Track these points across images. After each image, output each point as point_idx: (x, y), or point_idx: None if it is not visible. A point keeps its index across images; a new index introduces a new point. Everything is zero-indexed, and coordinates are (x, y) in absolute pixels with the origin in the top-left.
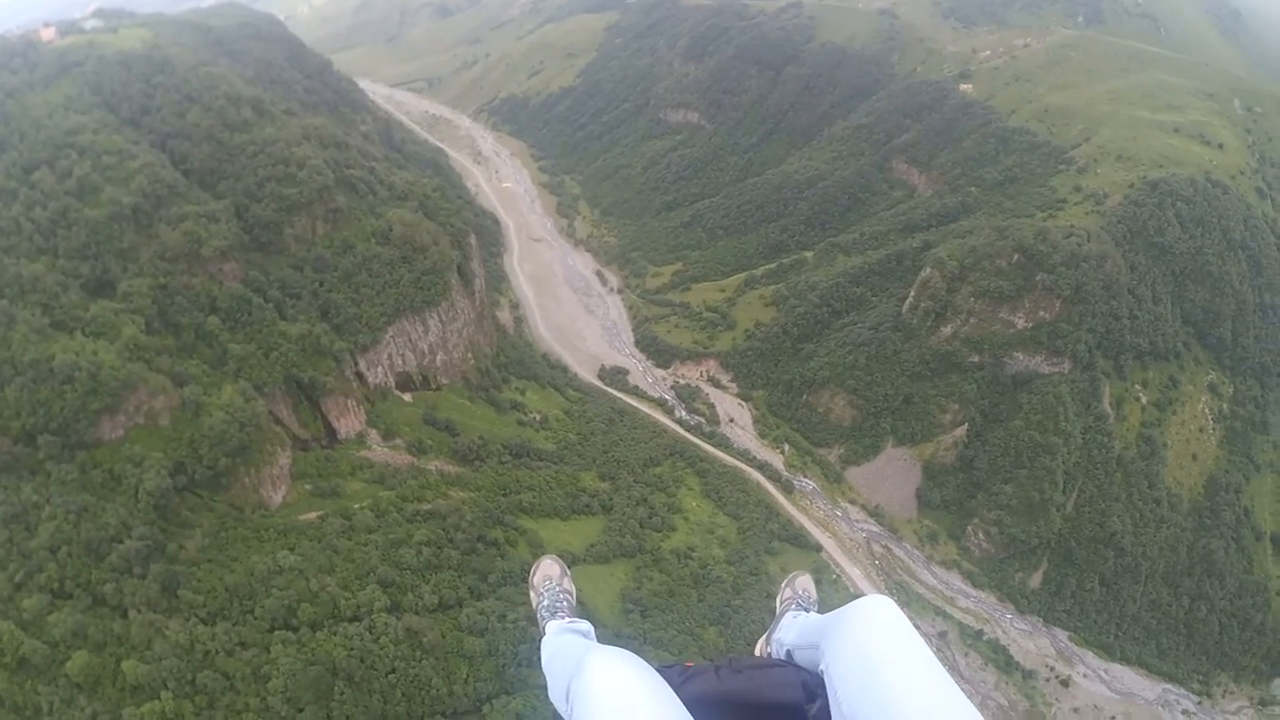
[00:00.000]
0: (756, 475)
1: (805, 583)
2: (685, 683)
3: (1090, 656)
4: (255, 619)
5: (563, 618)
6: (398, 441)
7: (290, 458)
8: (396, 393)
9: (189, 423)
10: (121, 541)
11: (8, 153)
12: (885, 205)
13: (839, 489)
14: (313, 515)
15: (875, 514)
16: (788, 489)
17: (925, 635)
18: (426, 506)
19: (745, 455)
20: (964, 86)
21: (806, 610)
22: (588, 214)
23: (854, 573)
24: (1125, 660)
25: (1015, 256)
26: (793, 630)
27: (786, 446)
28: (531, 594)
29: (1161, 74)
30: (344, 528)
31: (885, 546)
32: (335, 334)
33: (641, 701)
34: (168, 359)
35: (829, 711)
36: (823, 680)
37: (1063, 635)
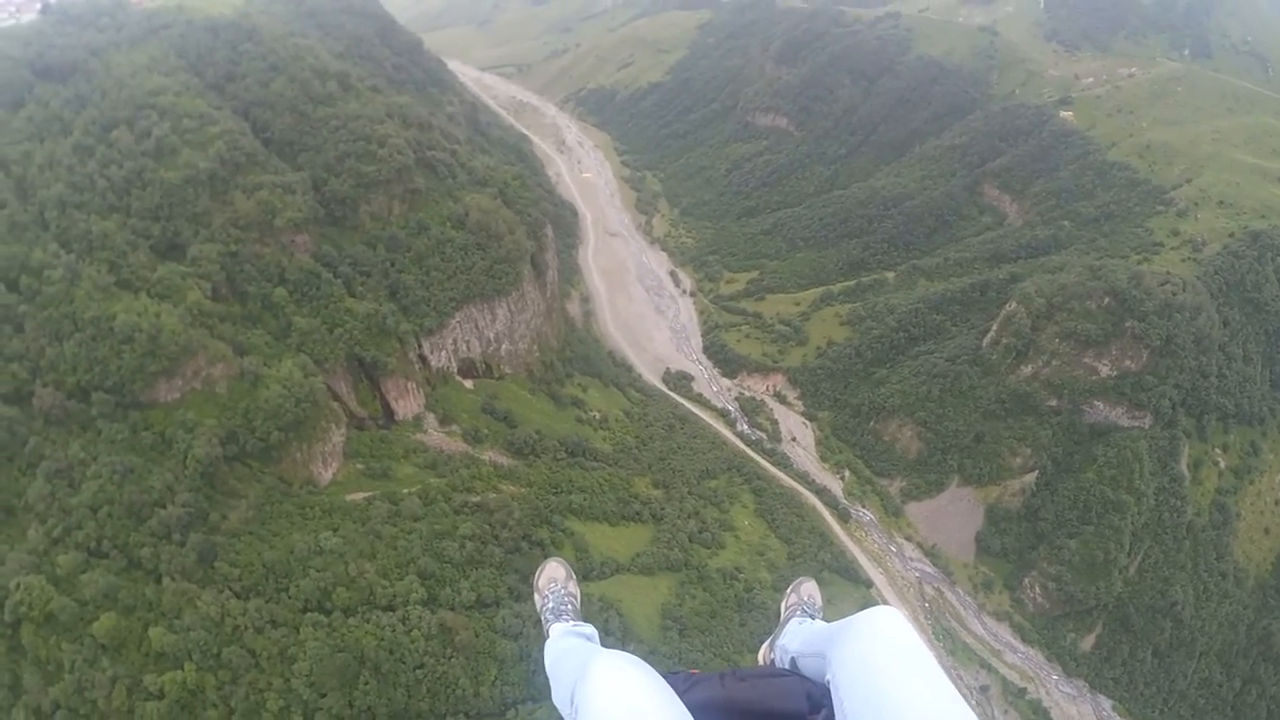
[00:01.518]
0: (813, 499)
1: (811, 589)
2: (689, 689)
3: None
4: (289, 598)
5: (567, 621)
6: (454, 428)
7: (345, 435)
8: (458, 378)
9: (245, 393)
10: (164, 506)
11: (88, 109)
12: (973, 231)
13: (896, 523)
14: (360, 496)
15: (931, 554)
16: (844, 517)
17: (967, 688)
18: (475, 498)
19: (804, 478)
20: (1064, 113)
21: (812, 617)
22: (666, 212)
23: (902, 613)
24: None
25: (1106, 300)
26: (798, 637)
27: (847, 473)
28: (536, 597)
29: (1269, 118)
30: (390, 513)
31: (938, 589)
32: (402, 315)
33: (646, 707)
34: (231, 326)
35: None
36: (827, 690)
37: (1106, 703)
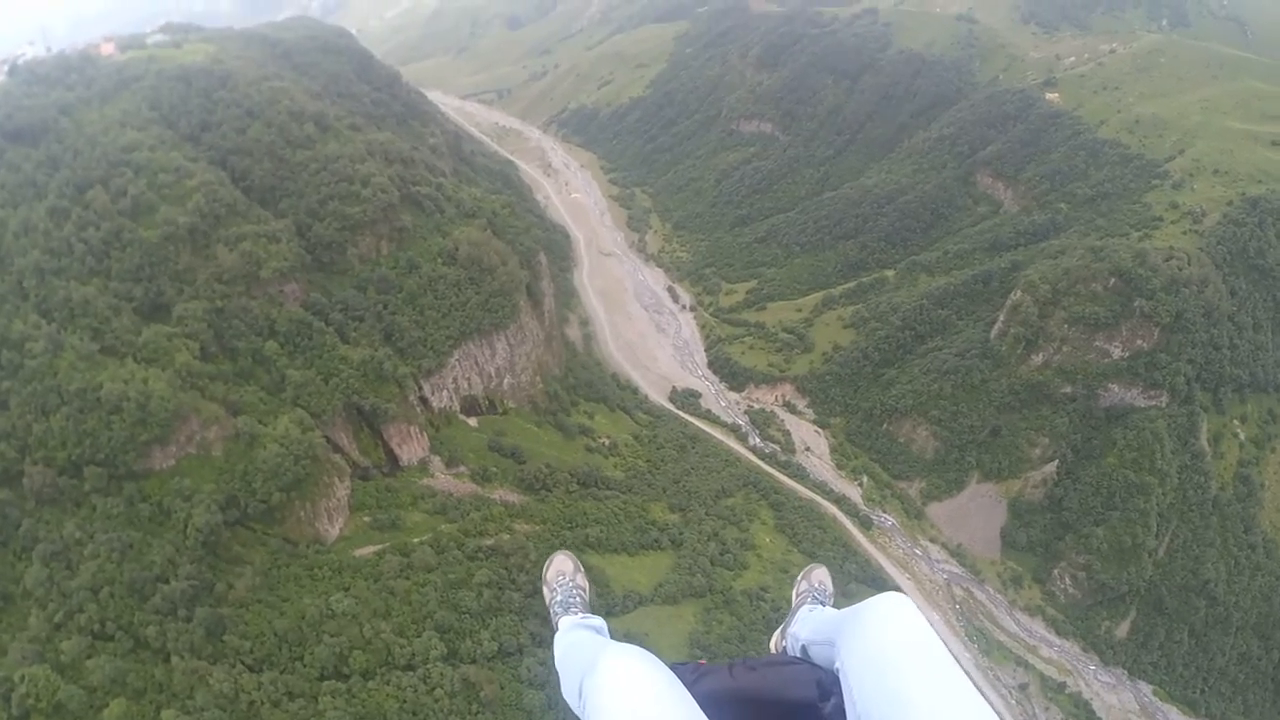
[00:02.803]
0: (833, 509)
1: (821, 576)
2: (698, 680)
3: (1174, 713)
4: (304, 667)
5: (576, 614)
6: (461, 469)
7: (349, 488)
8: (461, 418)
9: (242, 454)
10: (167, 581)
11: (61, 171)
12: (970, 221)
13: (919, 526)
14: (370, 550)
15: (957, 554)
16: (866, 525)
17: (1006, 686)
18: (489, 542)
19: (822, 487)
20: (1050, 95)
21: (822, 604)
22: (659, 228)
23: (933, 618)
24: (1210, 717)
25: (1112, 280)
26: (808, 625)
27: (865, 478)
28: (545, 590)
29: (1255, 81)
30: (402, 565)
31: (967, 589)
32: (399, 358)
33: (654, 699)
34: (222, 385)
35: (844, 710)
36: (837, 678)
37: (1147, 689)
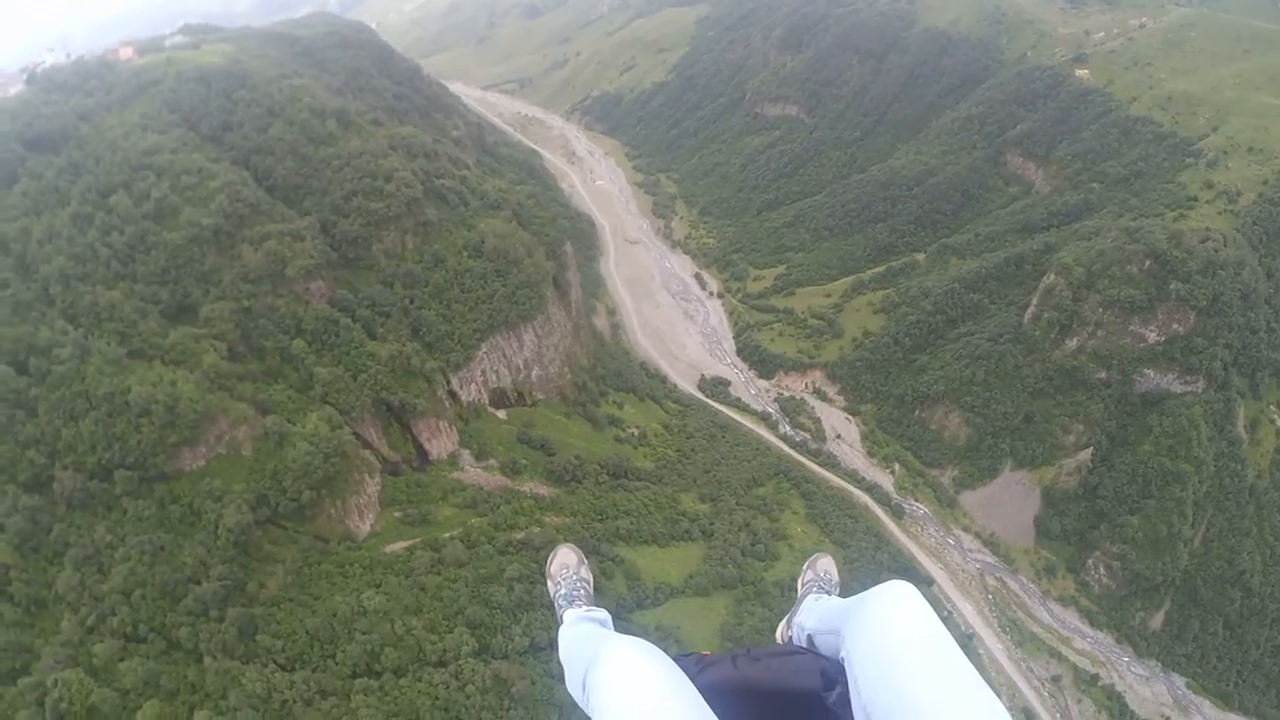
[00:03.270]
0: (864, 498)
1: (827, 564)
2: (702, 672)
3: (1207, 706)
4: (336, 665)
5: (580, 606)
6: (491, 462)
7: (379, 484)
8: (490, 410)
9: (272, 453)
10: (199, 583)
11: (83, 177)
12: (1000, 203)
13: (951, 514)
14: (401, 546)
15: (990, 543)
16: (897, 514)
17: (1039, 678)
18: (519, 535)
19: (853, 476)
20: (1080, 72)
21: (828, 593)
22: (685, 214)
23: (966, 609)
24: (1243, 710)
25: (1147, 263)
26: (814, 614)
27: (896, 466)
28: (549, 583)
29: None
30: (432, 561)
31: (1000, 579)
32: (426, 352)
33: (658, 691)
34: (251, 385)
35: (848, 699)
36: (842, 667)
37: (1180, 681)
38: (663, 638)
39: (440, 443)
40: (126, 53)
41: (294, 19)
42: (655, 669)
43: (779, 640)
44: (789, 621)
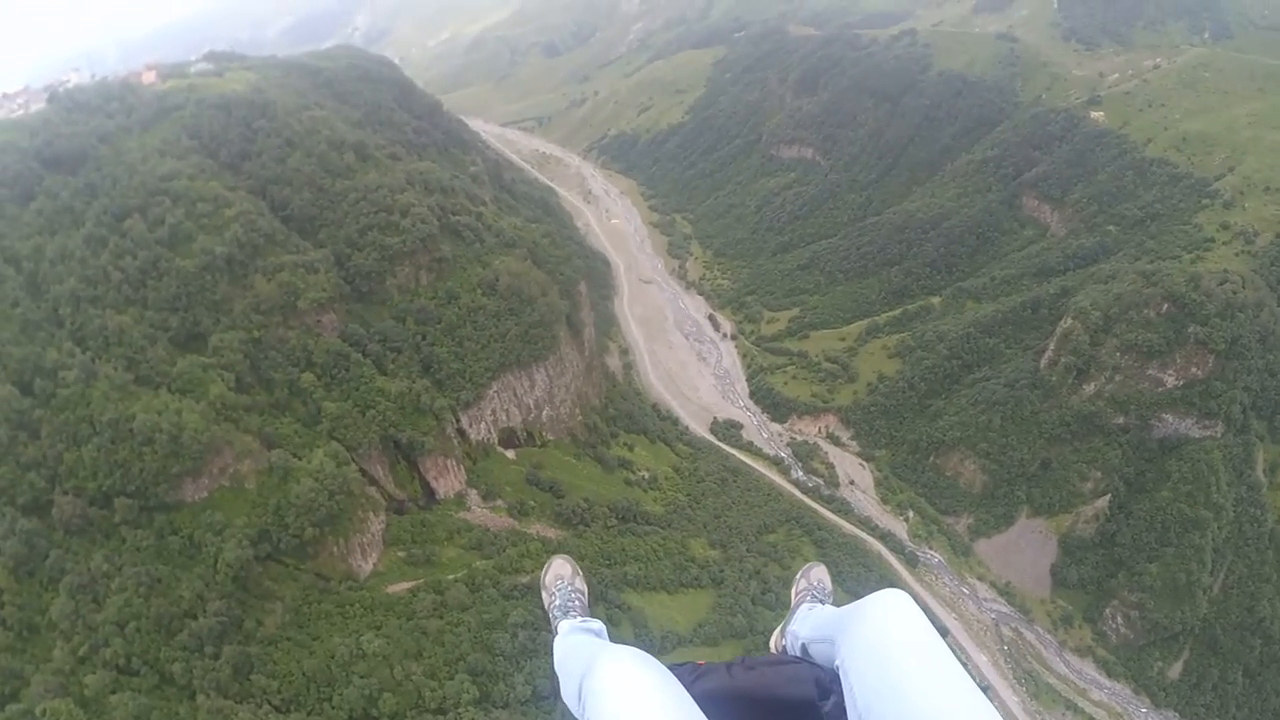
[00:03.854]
0: (878, 546)
1: (820, 574)
2: (697, 680)
3: None
4: (333, 709)
5: (575, 617)
6: (499, 502)
7: (384, 522)
8: (499, 450)
9: (276, 488)
10: (195, 617)
11: (99, 199)
12: (1016, 246)
13: (967, 563)
14: (403, 587)
15: (1005, 592)
16: (911, 562)
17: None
18: (525, 579)
19: (866, 523)
20: (1095, 114)
21: (822, 602)
22: (699, 254)
23: (981, 659)
24: None
25: (1165, 306)
26: (807, 623)
27: (911, 513)
28: (544, 594)
29: None
30: (435, 604)
31: (1015, 630)
32: (437, 390)
33: (653, 699)
34: (258, 417)
35: (843, 708)
36: (837, 676)
37: None
38: None
39: (448, 482)
40: (150, 76)
41: (319, 50)
42: (651, 678)
43: (773, 649)
44: (783, 631)
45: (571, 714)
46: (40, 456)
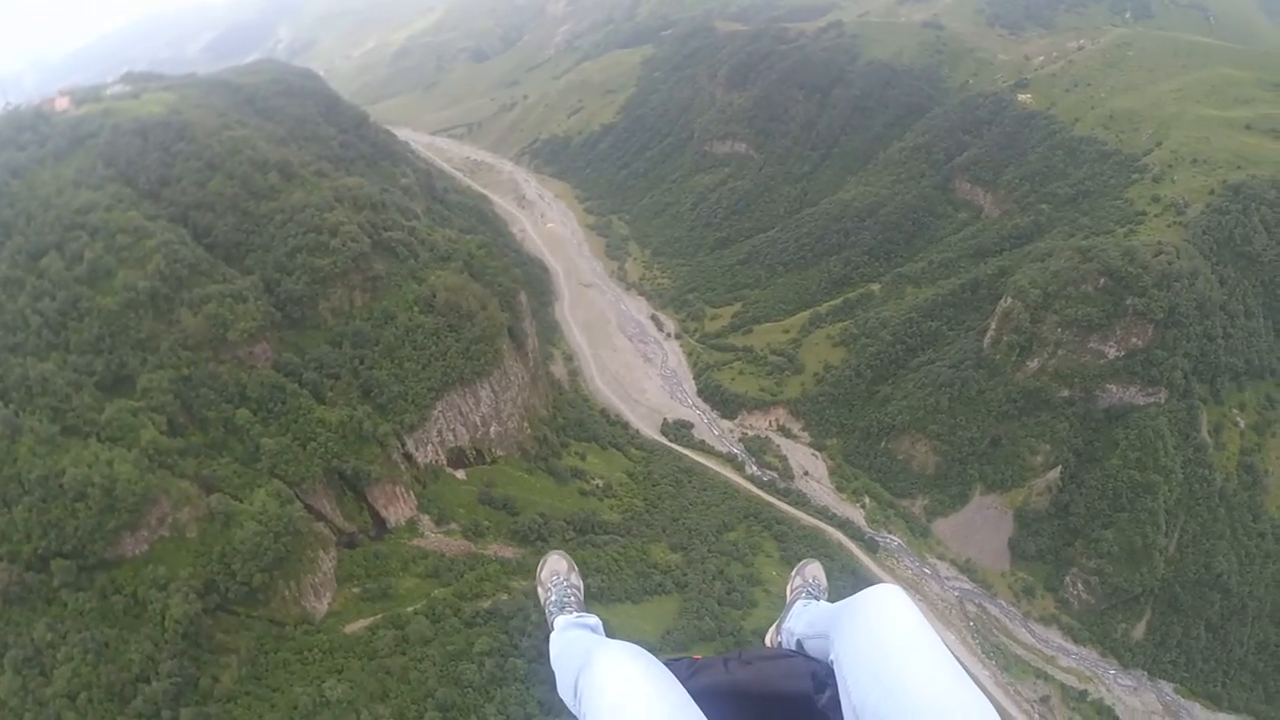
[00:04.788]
0: (838, 534)
1: (815, 570)
2: (693, 675)
3: (1198, 708)
4: None
5: (571, 613)
6: (452, 526)
7: (335, 558)
8: (449, 471)
9: (218, 535)
10: (148, 681)
11: (13, 238)
12: (952, 229)
13: (926, 544)
14: (361, 625)
15: (966, 569)
16: (871, 548)
17: (1027, 700)
18: (486, 604)
19: (824, 513)
20: (1022, 97)
21: (816, 599)
22: (638, 255)
23: (949, 637)
24: (1234, 709)
25: (1102, 280)
26: (802, 619)
27: (867, 499)
28: (539, 590)
29: (1223, 67)
30: (396, 640)
31: (979, 605)
32: (379, 415)
33: (649, 694)
34: (193, 460)
35: (838, 701)
36: (832, 670)
37: (1168, 688)
38: None
39: (398, 509)
40: (63, 103)
41: (241, 66)
42: (647, 673)
43: (768, 645)
44: (778, 627)
45: (568, 708)
46: None
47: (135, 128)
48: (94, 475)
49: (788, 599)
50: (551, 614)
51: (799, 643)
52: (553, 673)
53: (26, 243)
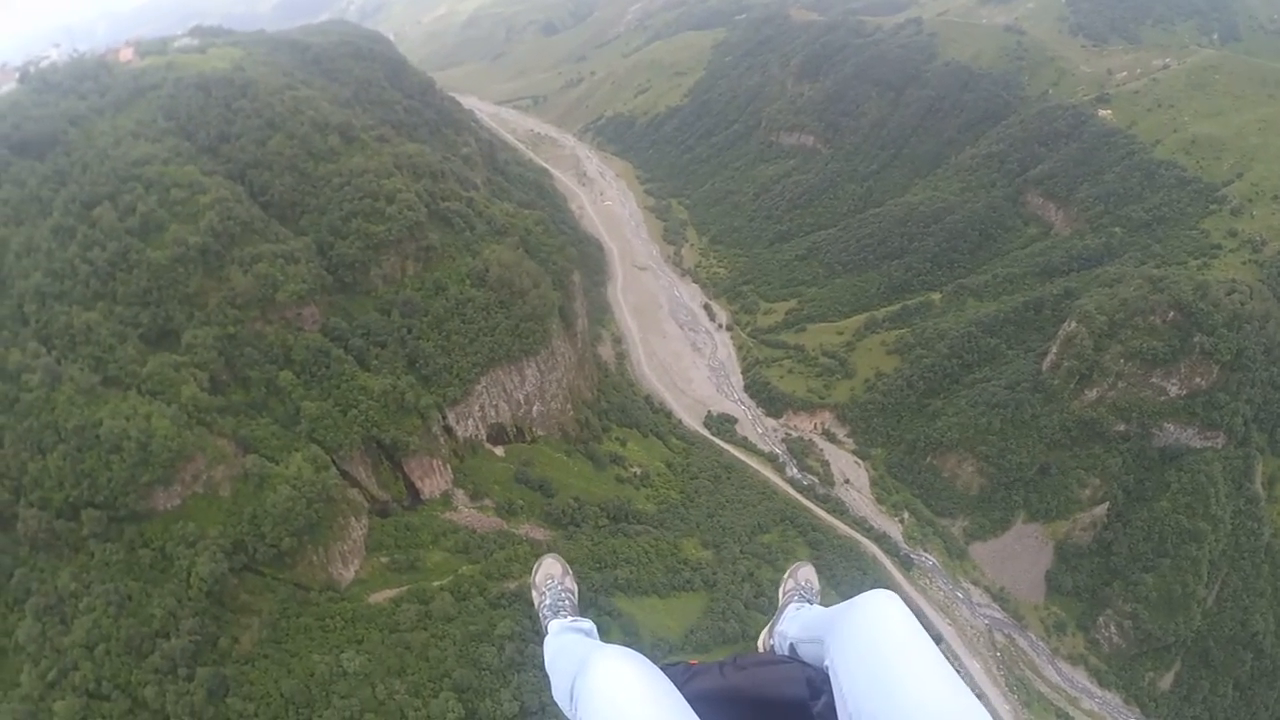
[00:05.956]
0: (873, 548)
1: (808, 574)
2: (689, 681)
3: None
4: None
5: (565, 617)
6: (486, 502)
7: (366, 526)
8: (488, 446)
9: (251, 496)
10: (168, 637)
11: (68, 186)
12: (1019, 243)
13: (961, 566)
14: (386, 596)
15: (999, 598)
16: (906, 566)
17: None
18: (512, 585)
19: (861, 524)
20: (1103, 112)
21: (809, 602)
22: (695, 241)
23: (974, 666)
24: None
25: (1171, 314)
26: (796, 623)
27: (906, 515)
28: (534, 593)
29: None
30: (419, 615)
31: (1008, 636)
32: (422, 386)
33: (645, 700)
34: (232, 419)
35: (834, 707)
36: (827, 675)
37: None
38: None
39: (433, 482)
40: (127, 54)
41: (310, 25)
42: (643, 678)
43: (761, 649)
44: (771, 630)
45: (562, 714)
46: (4, 467)
47: (197, 82)
48: (131, 428)
49: (780, 601)
50: (546, 618)
51: (792, 646)
52: (547, 677)
53: (80, 191)
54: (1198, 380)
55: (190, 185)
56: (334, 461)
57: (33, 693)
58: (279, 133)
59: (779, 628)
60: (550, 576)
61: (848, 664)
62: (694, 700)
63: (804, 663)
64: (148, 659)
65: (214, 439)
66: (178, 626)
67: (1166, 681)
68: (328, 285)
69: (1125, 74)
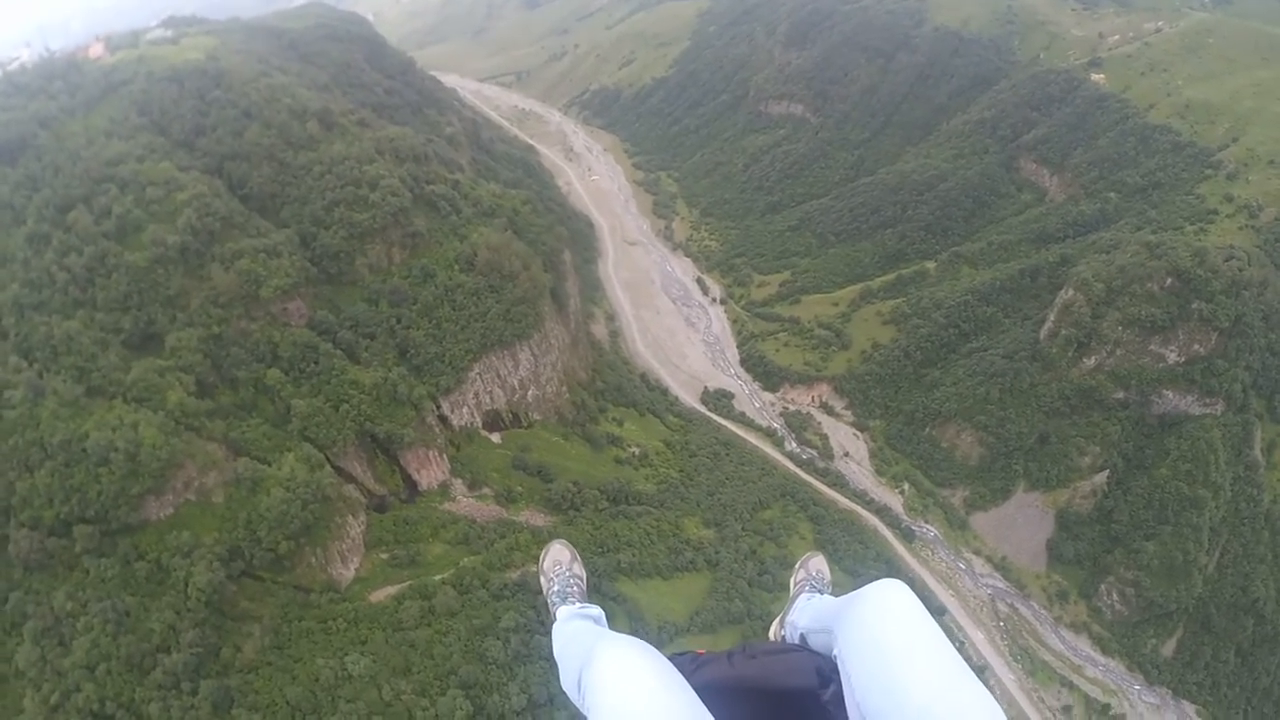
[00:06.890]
0: (874, 520)
1: (819, 564)
2: (697, 670)
3: None
4: None
5: (574, 603)
6: (485, 491)
7: (364, 523)
8: (484, 434)
9: (245, 501)
10: (169, 652)
11: (40, 192)
12: (1014, 210)
13: (963, 537)
14: (387, 594)
15: (1001, 567)
16: (907, 537)
17: (1050, 708)
18: (514, 575)
19: (861, 497)
20: (1096, 76)
21: (820, 592)
22: (686, 214)
23: (977, 636)
24: None
25: (1169, 280)
26: (806, 613)
27: (906, 486)
28: (542, 579)
29: None
30: (422, 611)
31: (1011, 605)
32: (414, 377)
33: (653, 689)
34: (222, 422)
35: (843, 696)
36: (836, 665)
37: (1190, 709)
38: None
39: (430, 473)
40: (97, 50)
41: (287, 10)
42: (651, 668)
43: (771, 639)
44: (782, 620)
45: (571, 702)
46: None
47: (170, 74)
48: (118, 439)
49: (791, 591)
50: (554, 604)
51: (802, 636)
52: (556, 665)
53: (54, 196)
54: (1196, 347)
55: (166, 182)
56: (328, 458)
57: (36, 717)
58: (256, 122)
59: (790, 618)
60: (558, 562)
61: (855, 653)
62: (702, 690)
63: (813, 652)
64: (150, 675)
65: (204, 444)
66: (178, 640)
67: (1169, 648)
68: (312, 278)
69: (1117, 37)
